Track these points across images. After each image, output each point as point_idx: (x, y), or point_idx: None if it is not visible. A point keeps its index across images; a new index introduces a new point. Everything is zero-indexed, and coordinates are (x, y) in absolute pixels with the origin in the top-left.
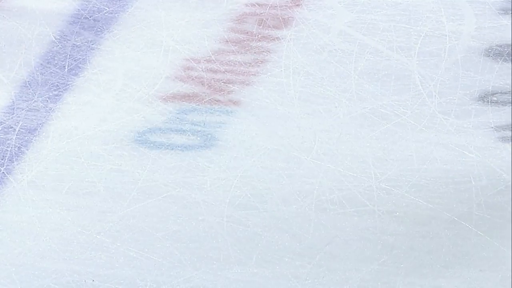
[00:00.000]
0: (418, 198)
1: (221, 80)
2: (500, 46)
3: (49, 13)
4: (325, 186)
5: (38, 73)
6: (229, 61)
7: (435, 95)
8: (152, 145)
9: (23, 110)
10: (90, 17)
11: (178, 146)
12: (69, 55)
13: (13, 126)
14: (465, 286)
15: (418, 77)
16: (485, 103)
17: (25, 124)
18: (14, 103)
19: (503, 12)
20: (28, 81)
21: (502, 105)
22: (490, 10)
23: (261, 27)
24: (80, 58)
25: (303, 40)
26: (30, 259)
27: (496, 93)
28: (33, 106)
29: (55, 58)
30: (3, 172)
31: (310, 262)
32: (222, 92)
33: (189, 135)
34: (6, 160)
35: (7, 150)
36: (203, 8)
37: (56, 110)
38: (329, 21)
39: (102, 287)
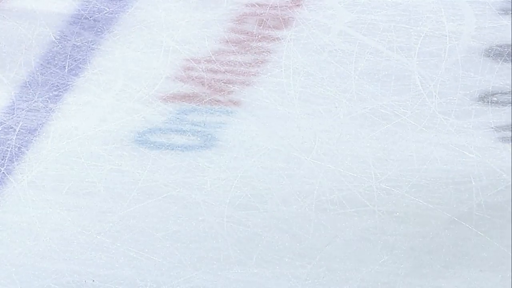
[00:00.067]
0: (418, 198)
1: (221, 80)
2: (500, 46)
3: (49, 13)
4: (325, 186)
5: (38, 74)
6: (229, 61)
7: (435, 95)
8: (152, 145)
9: (23, 110)
10: (90, 17)
11: (178, 146)
12: (69, 56)
13: (13, 126)
14: (465, 286)
15: (418, 77)
16: (485, 103)
17: (25, 125)
18: (14, 103)
19: (503, 12)
20: (28, 82)
21: (502, 105)
22: (490, 10)
23: (261, 27)
24: (80, 59)
25: (303, 41)
26: (30, 259)
27: (496, 94)
28: (33, 106)
29: (55, 58)
30: (3, 172)
31: (310, 262)
32: (222, 92)
33: (189, 135)
34: (6, 160)
35: (7, 150)
36: (203, 9)
37: (56, 110)
38: (329, 21)
39: (102, 287)
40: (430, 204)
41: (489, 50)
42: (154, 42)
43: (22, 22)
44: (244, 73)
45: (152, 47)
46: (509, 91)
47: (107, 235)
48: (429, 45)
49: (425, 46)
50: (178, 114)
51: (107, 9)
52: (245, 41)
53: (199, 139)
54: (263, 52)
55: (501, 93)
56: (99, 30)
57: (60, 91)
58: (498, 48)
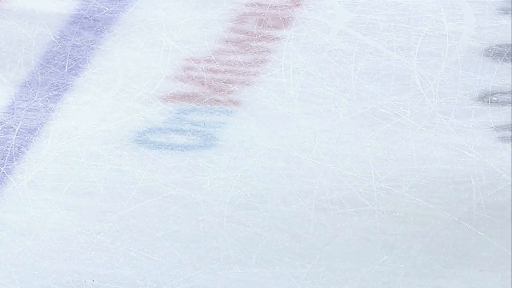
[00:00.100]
0: (418, 198)
1: (221, 80)
2: (500, 46)
3: (49, 13)
4: (325, 186)
5: (38, 73)
6: (229, 61)
7: (435, 95)
8: (152, 145)
9: (23, 110)
10: (90, 17)
11: (178, 146)
12: (69, 55)
13: (13, 126)
14: (465, 286)
15: (418, 77)
16: (485, 103)
17: (25, 124)
18: (14, 103)
19: (503, 12)
20: (28, 81)
21: (502, 105)
22: (490, 10)
23: (261, 27)
24: (80, 58)
25: (303, 40)
26: (30, 259)
27: (496, 93)
28: (33, 106)
29: (55, 58)
30: (3, 172)
31: (310, 262)
32: (222, 92)
33: (189, 135)
34: (6, 160)
35: (7, 150)
36: (203, 8)
37: (56, 110)
38: (329, 21)
39: (102, 287)
40: (430, 204)
41: (489, 50)
42: (154, 42)
43: (22, 22)
44: (244, 72)
45: (152, 47)
46: (509, 91)
47: (107, 235)
48: (429, 44)
49: (425, 46)
50: (178, 113)
51: (107, 8)
52: (245, 40)
53: (199, 138)
54: (263, 51)
55: (501, 92)
56: (99, 29)
57: (60, 91)
58: (498, 47)
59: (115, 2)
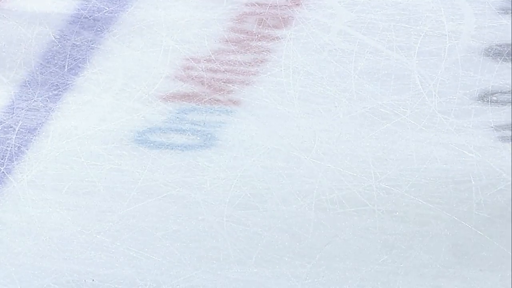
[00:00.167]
0: (418, 197)
1: (221, 79)
2: (500, 45)
3: (49, 12)
4: (325, 186)
5: (37, 73)
6: (229, 61)
7: (435, 95)
8: (152, 144)
9: (23, 109)
10: (90, 16)
11: (178, 146)
12: (69, 55)
13: (13, 125)
14: (465, 286)
15: (418, 76)
16: (485, 102)
17: (25, 124)
18: (14, 102)
19: (503, 11)
20: (28, 81)
21: (502, 104)
22: (490, 9)
23: (261, 26)
24: (80, 58)
25: (303, 40)
26: (30, 259)
27: (496, 93)
28: (33, 105)
29: (55, 57)
30: (3, 172)
31: (310, 262)
32: (222, 92)
33: (189, 134)
34: (6, 159)
35: (7, 150)
36: (203, 8)
37: (56, 109)
38: (329, 20)
39: (102, 287)
40: (429, 204)
41: (489, 50)
42: (153, 42)
43: (22, 21)
44: (244, 72)
45: (151, 47)
46: (509, 91)
47: (107, 235)
48: (428, 44)
49: (425, 46)
50: (177, 113)
51: (107, 8)
52: (244, 40)
53: (198, 138)
54: (263, 51)
55: (500, 92)
56: (99, 29)
57: (59, 91)
58: (498, 47)
59: (115, 2)
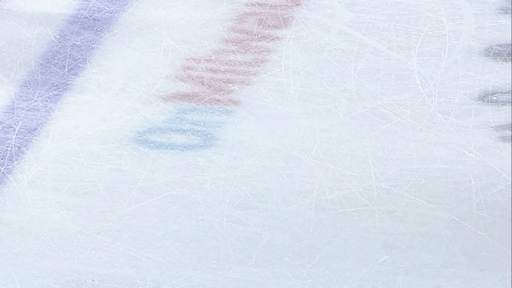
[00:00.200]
0: (418, 197)
1: (221, 79)
2: (500, 45)
3: (49, 12)
4: (325, 186)
5: (38, 73)
6: (229, 61)
7: (435, 95)
8: (152, 144)
9: (23, 109)
10: (90, 16)
11: (178, 146)
12: (69, 55)
13: (13, 125)
14: (465, 286)
15: (418, 76)
16: (485, 102)
17: (25, 124)
18: (14, 102)
19: (503, 11)
20: (28, 81)
21: (502, 104)
22: (490, 9)
23: (261, 26)
24: (80, 58)
25: (303, 40)
26: (30, 259)
27: (496, 93)
28: (33, 105)
29: (55, 57)
30: (3, 172)
31: (310, 262)
32: (222, 92)
33: (189, 134)
34: (6, 159)
35: (7, 150)
36: (203, 8)
37: (56, 109)
38: (329, 20)
39: (102, 287)
40: (429, 204)
41: (489, 50)
42: (154, 42)
43: (22, 21)
44: (244, 72)
45: (152, 47)
46: (509, 91)
47: (107, 235)
48: (428, 44)
49: (425, 46)
50: (178, 113)
51: (107, 8)
52: (245, 40)
53: (198, 138)
54: (263, 51)
55: (501, 92)
56: (99, 29)
57: (60, 91)
58: (498, 47)
59: (115, 2)
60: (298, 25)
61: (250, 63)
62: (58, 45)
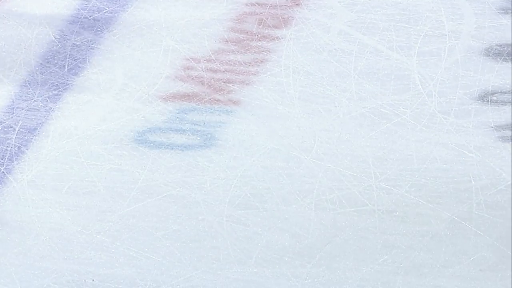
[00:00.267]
0: (418, 197)
1: (221, 79)
2: (500, 45)
3: (49, 12)
4: (325, 186)
5: (38, 73)
6: (229, 61)
7: (435, 95)
8: (152, 144)
9: (23, 109)
10: (90, 16)
11: (178, 146)
12: (69, 55)
13: (13, 125)
14: (465, 286)
15: (418, 76)
16: (485, 102)
17: (25, 124)
18: (14, 102)
19: (503, 11)
20: (28, 81)
21: (502, 104)
22: (490, 9)
23: (261, 26)
24: (80, 58)
25: (303, 40)
26: (30, 259)
27: (496, 93)
28: (33, 105)
29: (55, 57)
30: (3, 172)
31: (309, 262)
32: (222, 92)
33: (189, 134)
34: (6, 159)
35: (7, 150)
36: (203, 8)
37: (56, 109)
38: (329, 20)
39: (102, 287)
40: (429, 204)
41: (489, 50)
42: (153, 42)
43: (22, 21)
44: (244, 72)
45: (151, 47)
46: (509, 90)
47: (107, 234)
48: (428, 44)
49: (425, 45)
50: (178, 113)
51: (107, 8)
52: (244, 40)
53: (198, 138)
54: (263, 51)
55: (500, 92)
56: (99, 29)
57: (59, 91)
58: (498, 47)
59: (115, 2)
60: (298, 25)
61: (250, 63)
62: (58, 45)
